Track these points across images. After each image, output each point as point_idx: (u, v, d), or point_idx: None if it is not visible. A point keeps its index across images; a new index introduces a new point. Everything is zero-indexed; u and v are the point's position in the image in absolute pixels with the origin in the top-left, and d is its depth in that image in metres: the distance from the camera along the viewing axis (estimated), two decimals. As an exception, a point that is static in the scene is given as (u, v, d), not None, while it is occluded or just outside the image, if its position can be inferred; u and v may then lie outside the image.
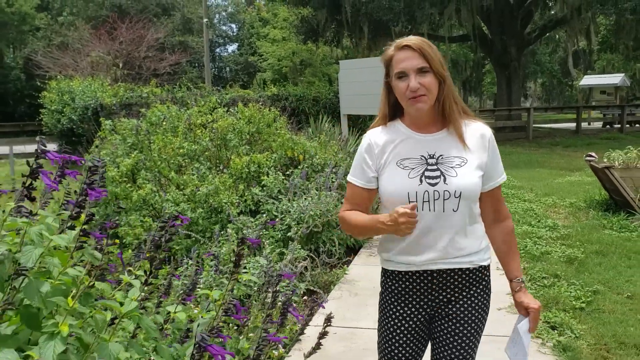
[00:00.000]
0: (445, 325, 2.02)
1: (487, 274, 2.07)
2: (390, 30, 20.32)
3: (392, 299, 2.05)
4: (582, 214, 7.79)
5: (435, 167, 1.94)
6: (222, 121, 6.30)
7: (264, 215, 5.55)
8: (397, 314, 2.05)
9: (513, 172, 11.95)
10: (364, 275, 5.37)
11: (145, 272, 1.60)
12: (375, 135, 2.06)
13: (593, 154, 8.03)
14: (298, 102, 16.65)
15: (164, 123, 6.46)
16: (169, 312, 1.66)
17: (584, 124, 24.61)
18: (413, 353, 2.08)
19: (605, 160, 7.59)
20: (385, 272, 2.11)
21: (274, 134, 6.57)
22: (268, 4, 35.97)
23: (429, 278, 1.99)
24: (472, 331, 2.02)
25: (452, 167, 1.94)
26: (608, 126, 24.15)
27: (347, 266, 5.60)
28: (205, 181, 5.68)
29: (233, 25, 50.07)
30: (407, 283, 2.02)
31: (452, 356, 2.00)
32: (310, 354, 2.32)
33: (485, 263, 2.04)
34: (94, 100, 14.54)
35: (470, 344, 2.02)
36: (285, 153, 6.40)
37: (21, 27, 35.00)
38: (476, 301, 2.03)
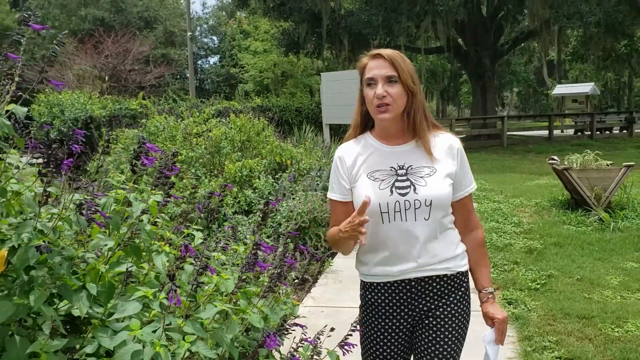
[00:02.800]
0: (426, 334, 2.01)
1: (466, 280, 2.07)
2: (369, 42, 21.11)
3: (373, 312, 2.06)
4: (545, 212, 8.51)
5: (405, 177, 1.97)
6: (216, 130, 6.92)
7: (257, 214, 6.17)
8: (379, 326, 2.05)
9: (486, 176, 12.70)
10: (347, 266, 6.00)
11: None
12: (344, 150, 2.10)
13: (555, 157, 8.77)
14: (282, 112, 17.29)
15: (162, 133, 7.05)
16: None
17: (557, 132, 25.58)
18: None
19: (565, 163, 8.31)
20: (364, 285, 2.11)
21: (263, 142, 7.20)
22: (249, 16, 36.66)
23: (407, 287, 2.00)
24: (454, 339, 2.01)
25: (421, 177, 1.97)
26: (579, 133, 25.11)
27: (332, 259, 6.23)
28: (202, 185, 6.28)
29: (214, 38, 50.76)
30: (387, 294, 2.03)
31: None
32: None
33: (462, 269, 2.04)
34: (83, 112, 15.03)
35: (452, 352, 2.01)
36: (274, 159, 7.03)
37: (1, 41, 35.22)
38: (456, 308, 2.02)
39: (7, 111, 1.30)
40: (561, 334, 4.17)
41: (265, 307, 1.71)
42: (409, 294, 2.01)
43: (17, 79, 1.37)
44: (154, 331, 1.28)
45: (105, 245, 1.59)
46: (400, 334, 2.05)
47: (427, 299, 2.01)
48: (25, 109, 1.25)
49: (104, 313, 1.49)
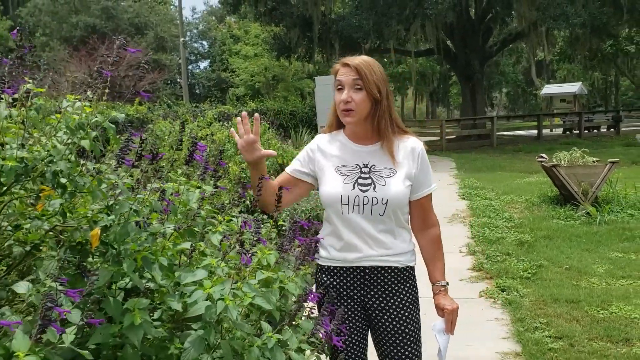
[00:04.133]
0: (386, 323, 2.19)
1: (414, 273, 2.26)
2: (360, 46, 21.47)
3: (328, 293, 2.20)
4: (535, 208, 8.88)
5: (367, 175, 2.15)
6: (219, 134, 7.22)
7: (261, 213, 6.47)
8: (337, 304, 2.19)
9: (477, 175, 13.09)
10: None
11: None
12: (321, 141, 2.29)
13: (544, 155, 9.15)
14: (276, 116, 17.62)
15: (167, 137, 7.34)
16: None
17: (546, 131, 26.06)
18: (357, 343, 2.25)
19: (554, 160, 8.69)
20: (320, 268, 2.28)
21: (265, 144, 7.51)
22: (239, 21, 36.97)
23: (362, 274, 2.18)
24: (412, 322, 2.20)
25: (382, 177, 2.14)
26: (568, 132, 25.58)
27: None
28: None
29: (204, 42, 51.00)
30: (341, 278, 2.21)
31: (402, 350, 2.18)
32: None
33: (411, 264, 2.23)
34: (81, 118, 15.26)
35: (415, 335, 2.21)
36: (277, 160, 7.34)
37: (-5, 48, 35.34)
38: (408, 296, 2.20)
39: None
40: (551, 316, 4.51)
41: (297, 277, 2.03)
42: (362, 280, 2.18)
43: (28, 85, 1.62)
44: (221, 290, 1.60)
45: (166, 228, 1.91)
46: (356, 311, 2.22)
47: (379, 287, 2.18)
48: (123, 115, 1.56)
49: (170, 283, 1.80)
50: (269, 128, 8.15)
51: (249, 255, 1.63)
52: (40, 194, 1.60)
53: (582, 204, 8.10)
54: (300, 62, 28.14)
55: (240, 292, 1.60)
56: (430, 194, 2.26)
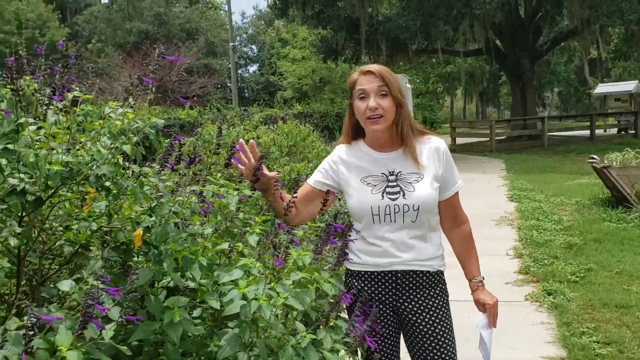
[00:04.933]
0: (420, 326, 2.16)
1: (444, 278, 2.26)
2: (407, 47, 21.34)
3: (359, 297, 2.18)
4: (585, 210, 8.65)
5: (395, 183, 2.14)
6: (265, 136, 7.35)
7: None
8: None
9: (526, 176, 12.82)
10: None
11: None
12: (342, 152, 2.27)
13: (595, 156, 8.90)
14: (322, 118, 17.71)
15: (214, 140, 7.51)
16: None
17: (600, 131, 25.26)
18: (390, 346, 2.26)
19: (605, 161, 8.45)
20: (351, 273, 2.26)
21: (309, 147, 7.59)
22: (288, 25, 37.38)
23: (393, 278, 2.17)
24: (446, 326, 2.17)
25: (410, 183, 2.13)
26: (623, 132, 24.75)
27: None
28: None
29: (254, 47, 51.69)
30: (373, 282, 2.20)
31: (438, 354, 2.15)
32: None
33: (442, 269, 2.23)
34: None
35: (449, 338, 2.18)
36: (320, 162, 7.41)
37: (52, 56, 36.69)
38: (440, 299, 2.19)
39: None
40: (599, 321, 4.41)
41: (332, 278, 2.07)
42: (394, 284, 2.17)
43: (74, 92, 1.72)
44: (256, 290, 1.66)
45: (205, 230, 1.98)
46: (388, 315, 2.21)
47: (411, 290, 2.17)
48: (162, 121, 1.64)
49: (209, 282, 1.87)
50: (313, 130, 8.23)
51: (282, 256, 1.68)
52: (86, 197, 1.70)
53: (635, 206, 7.85)
54: (347, 64, 28.19)
55: (274, 293, 1.65)
56: (458, 191, 2.24)
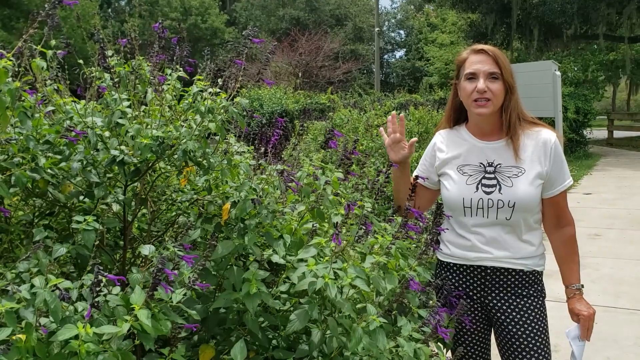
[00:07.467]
0: (508, 327, 2.05)
1: (541, 279, 2.11)
2: (562, 32, 19.99)
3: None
4: None
5: (492, 175, 2.02)
6: (396, 122, 7.31)
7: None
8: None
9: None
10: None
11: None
12: (442, 137, 2.20)
13: None
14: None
15: (346, 124, 7.62)
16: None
17: None
18: (479, 343, 2.21)
19: None
20: (441, 264, 2.21)
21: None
22: (437, 9, 36.58)
23: (482, 274, 2.08)
24: (539, 328, 2.04)
25: (508, 177, 2.00)
26: None
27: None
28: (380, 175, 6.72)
29: (401, 32, 51.23)
30: (462, 276, 2.13)
31: (529, 356, 2.03)
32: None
33: (539, 269, 2.09)
34: (279, 106, 16.40)
35: (543, 341, 2.04)
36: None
37: (212, 41, 39.23)
38: (533, 300, 2.06)
39: (232, 102, 1.79)
40: None
41: (418, 267, 2.05)
42: (482, 280, 2.08)
43: (240, 79, 1.84)
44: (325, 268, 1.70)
45: (297, 208, 2.05)
46: (476, 311, 2.13)
47: (500, 288, 2.06)
48: (246, 101, 1.73)
49: (295, 261, 1.95)
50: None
51: (339, 237, 1.69)
52: (182, 170, 1.84)
53: None
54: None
55: (342, 272, 1.68)
56: (565, 190, 2.08)
